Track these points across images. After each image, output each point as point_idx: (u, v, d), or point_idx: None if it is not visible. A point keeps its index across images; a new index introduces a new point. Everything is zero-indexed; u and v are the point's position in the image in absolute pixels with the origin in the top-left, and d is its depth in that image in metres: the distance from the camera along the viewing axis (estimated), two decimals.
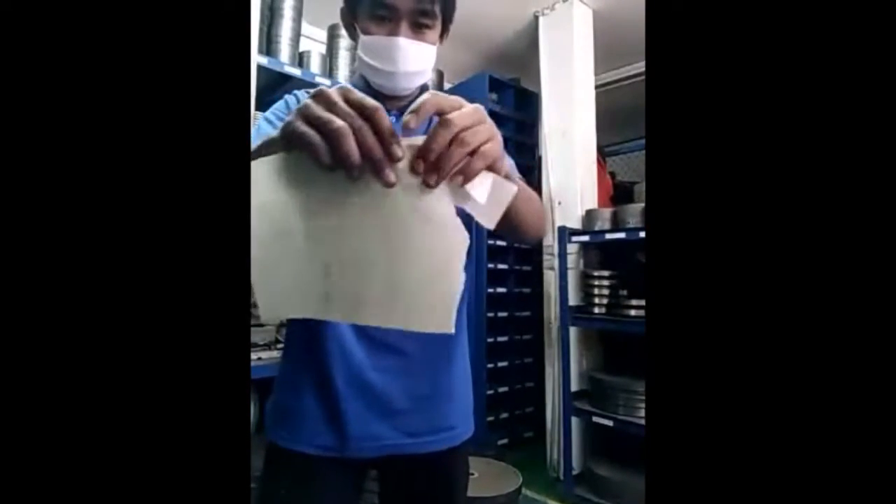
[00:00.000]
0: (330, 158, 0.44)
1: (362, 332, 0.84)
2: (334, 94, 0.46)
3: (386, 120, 0.45)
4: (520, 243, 2.73)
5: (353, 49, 2.74)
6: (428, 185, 0.46)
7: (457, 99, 0.48)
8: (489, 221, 0.51)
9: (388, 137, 0.45)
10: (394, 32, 0.80)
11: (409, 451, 0.86)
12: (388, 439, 0.85)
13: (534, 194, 0.80)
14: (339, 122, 0.44)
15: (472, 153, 0.47)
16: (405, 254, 0.49)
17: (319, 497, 0.85)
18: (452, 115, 0.46)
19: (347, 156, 0.43)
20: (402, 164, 0.46)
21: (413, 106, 0.47)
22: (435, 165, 0.46)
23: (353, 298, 0.51)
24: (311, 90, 0.92)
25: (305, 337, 0.87)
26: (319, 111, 0.45)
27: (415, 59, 0.82)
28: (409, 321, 0.50)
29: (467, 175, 0.47)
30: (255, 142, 0.83)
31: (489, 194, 0.49)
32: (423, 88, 0.92)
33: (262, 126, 0.84)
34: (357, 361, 0.84)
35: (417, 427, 0.86)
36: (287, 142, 0.46)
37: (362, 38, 0.83)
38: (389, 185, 0.45)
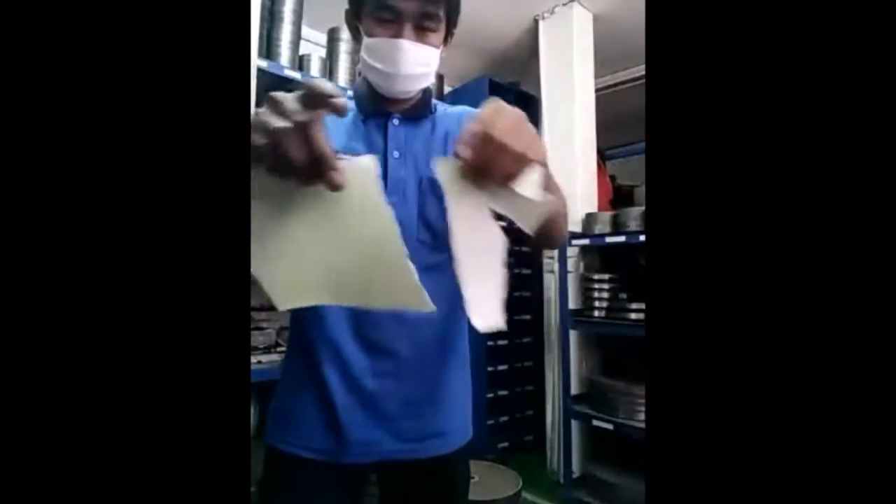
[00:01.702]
0: (275, 166, 0.47)
1: (358, 336, 0.84)
2: (283, 97, 0.47)
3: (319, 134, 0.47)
4: (545, 248, 2.74)
5: (354, 52, 2.75)
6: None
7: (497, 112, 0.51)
8: (530, 226, 0.52)
9: (321, 148, 0.47)
10: (397, 34, 0.80)
11: (403, 457, 0.86)
12: (383, 444, 0.84)
13: (564, 199, 0.82)
14: (277, 125, 0.45)
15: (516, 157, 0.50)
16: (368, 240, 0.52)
17: (318, 501, 0.85)
18: (493, 131, 0.49)
19: (285, 163, 0.46)
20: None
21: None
22: (481, 173, 0.51)
23: (351, 285, 0.53)
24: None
25: (303, 340, 0.87)
26: (264, 117, 0.46)
27: (417, 61, 0.82)
28: (392, 300, 0.55)
29: (512, 175, 0.51)
30: None
31: (533, 195, 0.52)
32: (427, 91, 0.92)
33: None
34: (352, 365, 0.84)
35: (412, 432, 0.86)
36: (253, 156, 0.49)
37: (365, 39, 0.83)
38: (335, 188, 0.48)
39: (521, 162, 0.51)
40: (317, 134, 0.46)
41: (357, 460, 0.84)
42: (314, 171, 0.47)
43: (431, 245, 0.87)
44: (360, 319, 0.84)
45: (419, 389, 0.87)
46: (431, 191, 0.87)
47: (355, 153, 0.87)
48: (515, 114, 0.52)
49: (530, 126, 0.52)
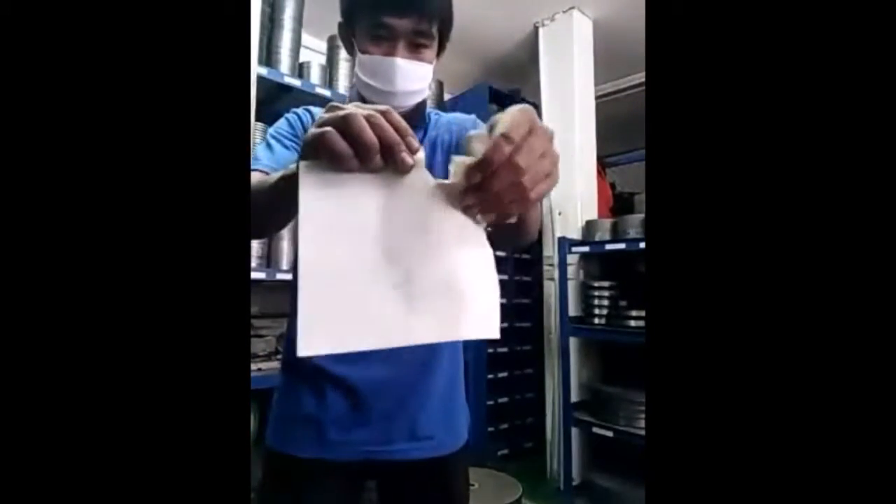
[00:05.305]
0: (348, 148, 0.43)
1: None
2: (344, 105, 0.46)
3: (396, 115, 0.45)
4: (512, 247, 2.72)
5: (353, 61, 2.73)
6: (477, 209, 0.49)
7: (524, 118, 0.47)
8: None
9: (401, 125, 0.45)
10: (391, 52, 0.81)
11: (395, 458, 0.87)
12: (367, 444, 0.86)
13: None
14: (350, 110, 0.44)
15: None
16: (457, 262, 0.49)
17: (314, 501, 0.86)
18: (512, 133, 0.45)
19: (360, 134, 0.43)
20: (451, 180, 0.48)
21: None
22: (489, 190, 0.47)
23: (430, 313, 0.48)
24: (310, 107, 0.93)
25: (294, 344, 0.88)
26: (332, 113, 0.45)
27: (412, 78, 0.83)
28: (466, 331, 0.50)
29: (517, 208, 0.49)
30: (258, 158, 0.82)
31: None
32: (421, 104, 0.93)
33: (274, 146, 0.86)
34: (339, 366, 0.85)
35: (395, 434, 0.87)
36: (311, 148, 0.45)
37: (360, 56, 0.84)
38: (406, 169, 0.45)
39: (528, 201, 0.49)
40: (394, 115, 0.45)
41: (347, 458, 0.85)
42: (388, 153, 0.44)
43: None
44: None
45: (411, 393, 0.88)
46: None
47: None
48: (545, 133, 0.49)
49: (555, 150, 0.50)
